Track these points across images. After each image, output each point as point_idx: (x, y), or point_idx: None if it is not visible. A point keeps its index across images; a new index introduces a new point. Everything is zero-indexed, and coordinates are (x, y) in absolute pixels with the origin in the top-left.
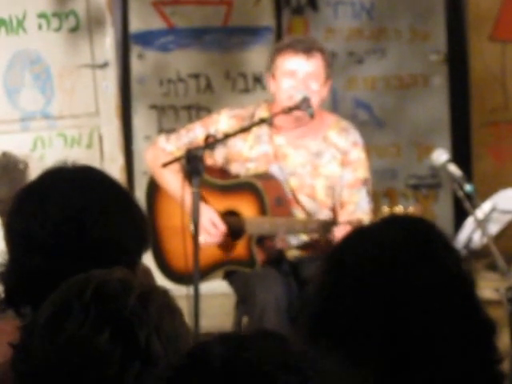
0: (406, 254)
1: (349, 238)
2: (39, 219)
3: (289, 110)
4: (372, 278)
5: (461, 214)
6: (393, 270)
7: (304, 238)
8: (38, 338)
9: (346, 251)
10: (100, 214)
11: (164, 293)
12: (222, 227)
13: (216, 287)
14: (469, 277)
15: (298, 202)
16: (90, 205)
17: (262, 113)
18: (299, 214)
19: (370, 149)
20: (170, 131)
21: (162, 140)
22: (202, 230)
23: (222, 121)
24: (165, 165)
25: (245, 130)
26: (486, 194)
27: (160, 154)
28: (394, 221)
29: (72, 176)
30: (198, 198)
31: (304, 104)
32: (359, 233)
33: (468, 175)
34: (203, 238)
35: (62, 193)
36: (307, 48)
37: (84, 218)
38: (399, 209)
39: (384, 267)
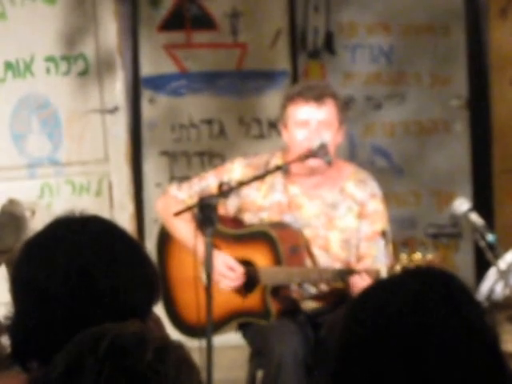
0: (427, 308)
1: (369, 291)
2: (48, 270)
3: (305, 158)
4: (393, 332)
5: (482, 265)
6: (414, 324)
7: (319, 287)
8: None
9: (367, 305)
10: (109, 266)
11: (180, 347)
12: (239, 269)
13: (228, 339)
14: (492, 330)
15: (310, 254)
16: (99, 256)
17: (277, 161)
18: (312, 265)
19: (388, 197)
20: (181, 178)
21: (173, 188)
22: (219, 275)
23: (236, 170)
24: (177, 214)
25: (260, 177)
26: (508, 243)
27: (171, 202)
28: (415, 273)
29: (81, 226)
30: (211, 248)
31: (321, 151)
32: (380, 285)
33: (490, 223)
34: (222, 284)
35: (71, 244)
36: (318, 95)
37: (93, 270)
38: (417, 256)
39: (405, 321)
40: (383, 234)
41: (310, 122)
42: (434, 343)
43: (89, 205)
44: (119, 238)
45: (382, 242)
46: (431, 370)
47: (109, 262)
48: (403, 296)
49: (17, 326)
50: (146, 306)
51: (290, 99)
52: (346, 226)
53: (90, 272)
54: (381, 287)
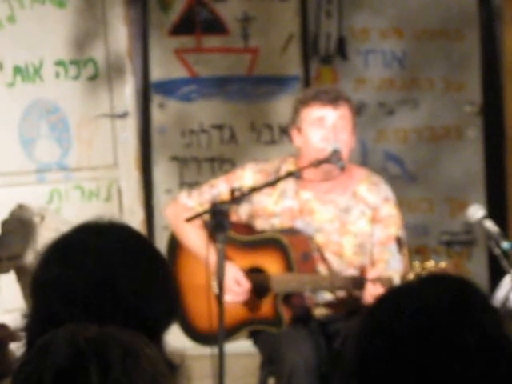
0: (444, 315)
1: (385, 299)
2: (72, 271)
3: (318, 164)
4: (409, 340)
5: (496, 272)
6: (431, 332)
7: (332, 295)
8: None
9: (383, 312)
10: (132, 274)
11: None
12: (246, 285)
13: (239, 347)
14: (509, 339)
15: (323, 259)
16: (124, 263)
17: (289, 167)
18: (324, 272)
19: (400, 204)
20: (191, 184)
21: (183, 196)
22: (226, 289)
23: (247, 176)
24: (189, 219)
25: (272, 184)
26: None
27: (181, 210)
28: (432, 280)
29: (108, 232)
30: (223, 255)
31: (334, 157)
32: (396, 293)
33: (504, 231)
34: (227, 297)
35: (97, 248)
36: (334, 98)
37: (116, 275)
38: (430, 263)
39: (422, 329)
40: (397, 238)
41: (327, 121)
42: (450, 350)
43: (98, 210)
44: (146, 250)
45: (395, 247)
46: (447, 379)
47: (133, 270)
48: (420, 303)
49: (35, 322)
50: (164, 320)
51: (304, 102)
52: (359, 230)
53: (114, 277)
54: (397, 295)
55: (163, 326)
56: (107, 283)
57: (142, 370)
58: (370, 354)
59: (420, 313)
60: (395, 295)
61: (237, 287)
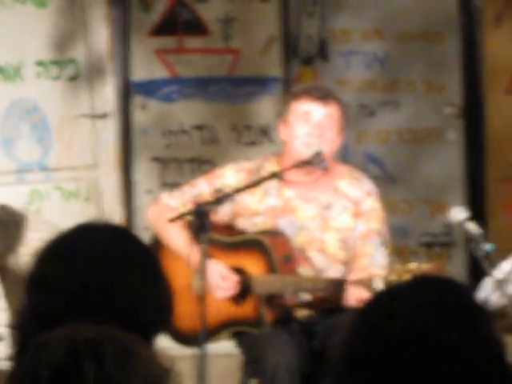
0: (436, 317)
1: (377, 300)
2: (68, 269)
3: (301, 165)
4: (402, 341)
5: (475, 274)
6: (423, 333)
7: (314, 296)
8: None
9: (375, 313)
10: (127, 275)
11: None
12: (232, 278)
13: (221, 348)
14: (499, 340)
15: (306, 258)
16: (119, 264)
17: (272, 166)
18: (308, 272)
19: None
20: (172, 185)
21: (165, 196)
22: (213, 286)
23: (229, 175)
24: (172, 220)
25: (255, 184)
26: (501, 253)
27: (163, 210)
28: (423, 282)
29: (104, 233)
30: (206, 255)
31: (317, 159)
32: (388, 295)
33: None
34: (217, 294)
35: (93, 248)
36: (324, 95)
37: (111, 277)
38: (413, 266)
39: (414, 330)
40: (380, 232)
41: (313, 117)
42: (442, 351)
43: (78, 211)
44: (141, 252)
45: (378, 241)
46: (438, 379)
47: (127, 271)
48: (412, 305)
49: (27, 321)
50: (157, 323)
51: (295, 95)
52: (341, 225)
53: (108, 278)
54: (389, 296)
55: (156, 328)
56: (101, 284)
57: (138, 370)
58: (362, 356)
59: (412, 314)
60: (387, 297)
61: (225, 282)
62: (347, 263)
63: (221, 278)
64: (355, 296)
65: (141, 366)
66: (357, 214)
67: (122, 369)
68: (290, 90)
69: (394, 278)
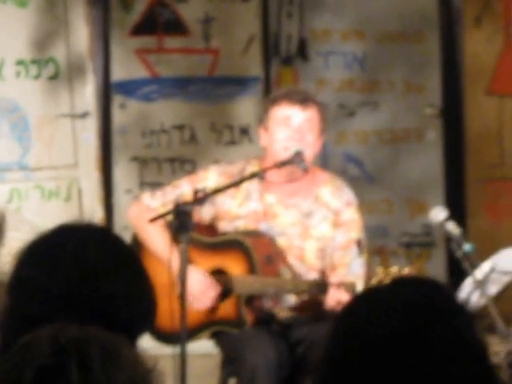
0: (417, 318)
1: (357, 302)
2: (50, 270)
3: (281, 165)
4: (383, 343)
5: (455, 274)
6: (404, 334)
7: (295, 298)
8: None
9: (355, 315)
10: (109, 275)
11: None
12: (211, 292)
13: (200, 347)
14: (482, 341)
15: (286, 262)
16: (102, 264)
17: (253, 169)
18: (287, 275)
19: (360, 205)
20: (152, 185)
21: (146, 196)
22: (192, 295)
23: (211, 178)
24: (152, 220)
25: (235, 184)
26: (481, 253)
27: (144, 210)
28: (403, 284)
29: (87, 233)
30: (187, 255)
31: (297, 158)
32: (368, 296)
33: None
34: (194, 305)
35: (75, 248)
36: (303, 99)
37: (94, 276)
38: (394, 269)
39: (395, 332)
40: (358, 241)
41: (293, 122)
42: (425, 354)
43: (58, 210)
44: (123, 252)
45: (355, 250)
46: (421, 381)
47: (110, 272)
48: (392, 306)
49: (11, 321)
50: (140, 323)
51: (273, 101)
52: (321, 234)
53: (91, 279)
54: (369, 298)
55: (140, 328)
56: (84, 284)
57: (122, 370)
58: (342, 358)
59: (393, 316)
60: (367, 299)
61: (202, 295)
62: (322, 271)
63: (200, 290)
64: (336, 299)
65: (125, 366)
66: (336, 224)
67: (106, 369)
68: (270, 95)
69: (374, 280)
